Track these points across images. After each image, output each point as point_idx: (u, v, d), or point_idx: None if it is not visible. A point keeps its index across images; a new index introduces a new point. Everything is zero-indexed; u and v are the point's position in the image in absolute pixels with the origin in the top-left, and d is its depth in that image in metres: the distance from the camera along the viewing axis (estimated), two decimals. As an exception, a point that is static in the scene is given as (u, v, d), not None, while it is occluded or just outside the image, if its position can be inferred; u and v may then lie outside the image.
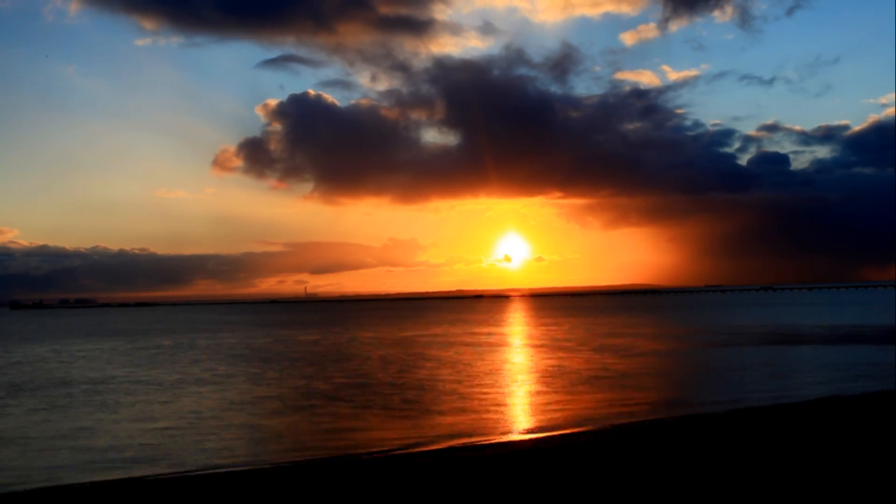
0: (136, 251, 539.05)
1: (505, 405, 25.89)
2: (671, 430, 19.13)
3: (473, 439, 19.92)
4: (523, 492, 12.64)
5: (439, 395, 28.25)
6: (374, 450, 18.82)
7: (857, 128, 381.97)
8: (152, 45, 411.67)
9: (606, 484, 12.89)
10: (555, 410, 24.47)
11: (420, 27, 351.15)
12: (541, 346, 52.69)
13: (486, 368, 37.51)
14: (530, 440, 19.52)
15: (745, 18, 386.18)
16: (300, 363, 42.88)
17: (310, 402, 27.50)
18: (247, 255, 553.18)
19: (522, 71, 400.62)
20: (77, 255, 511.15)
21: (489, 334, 67.68)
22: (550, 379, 32.52)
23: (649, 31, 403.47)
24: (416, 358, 44.31)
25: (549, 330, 72.68)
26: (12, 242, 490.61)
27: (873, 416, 19.29)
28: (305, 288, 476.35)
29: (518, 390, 29.59)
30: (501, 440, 19.85)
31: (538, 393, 28.62)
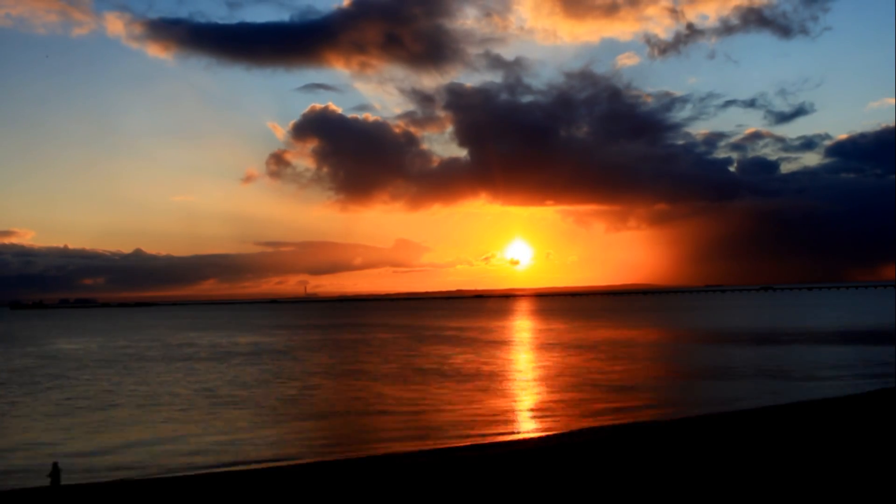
0: (153, 253, 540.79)
1: (504, 405, 25.89)
2: (670, 430, 19.14)
3: (474, 439, 19.95)
4: (523, 491, 12.63)
5: (441, 396, 28.28)
6: (377, 451, 18.85)
7: (839, 137, 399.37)
8: (182, 65, 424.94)
9: (605, 483, 12.88)
10: (555, 411, 24.48)
11: (439, 59, 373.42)
12: (540, 347, 52.66)
13: (486, 369, 37.50)
14: (531, 440, 19.52)
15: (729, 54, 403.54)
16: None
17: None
18: (259, 255, 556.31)
19: (527, 94, 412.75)
20: (93, 255, 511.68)
21: (489, 329, 67.70)
22: (550, 380, 32.51)
23: (644, 55, 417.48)
24: (417, 360, 44.33)
25: (549, 331, 72.59)
26: (26, 243, 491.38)
27: (876, 415, 19.29)
28: (305, 287, 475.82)
29: (517, 391, 29.56)
30: (502, 440, 19.86)
31: (538, 393, 28.62)
